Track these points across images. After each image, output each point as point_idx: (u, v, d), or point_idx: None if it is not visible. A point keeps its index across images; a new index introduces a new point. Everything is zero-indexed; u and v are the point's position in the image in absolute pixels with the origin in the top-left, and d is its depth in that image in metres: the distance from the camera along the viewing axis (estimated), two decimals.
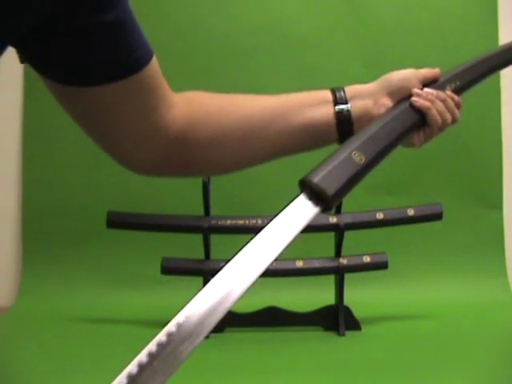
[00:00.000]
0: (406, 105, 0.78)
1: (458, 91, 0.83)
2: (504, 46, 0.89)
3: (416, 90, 0.79)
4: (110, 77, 0.67)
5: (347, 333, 1.33)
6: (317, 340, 1.30)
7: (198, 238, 1.32)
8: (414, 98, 0.79)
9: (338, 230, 1.34)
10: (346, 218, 1.34)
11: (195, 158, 0.75)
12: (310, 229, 1.44)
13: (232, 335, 1.33)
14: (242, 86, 1.66)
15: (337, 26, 1.66)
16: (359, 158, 0.69)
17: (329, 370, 1.12)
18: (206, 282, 1.32)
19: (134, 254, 1.57)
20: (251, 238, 0.63)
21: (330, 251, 1.36)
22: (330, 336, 1.33)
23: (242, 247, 0.63)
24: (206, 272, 1.32)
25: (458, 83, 0.84)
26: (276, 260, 0.63)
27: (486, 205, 1.67)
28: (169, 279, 1.37)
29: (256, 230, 1.51)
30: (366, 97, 0.80)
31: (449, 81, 0.84)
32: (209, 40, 1.65)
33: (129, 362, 0.50)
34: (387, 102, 0.79)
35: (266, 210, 1.46)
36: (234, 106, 0.76)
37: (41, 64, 0.66)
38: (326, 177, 0.66)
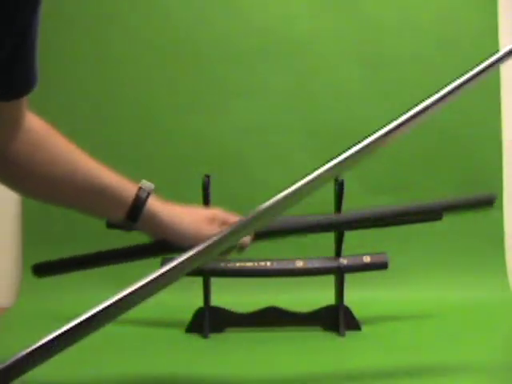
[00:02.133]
0: None
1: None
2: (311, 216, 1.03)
3: None
4: None
5: (347, 333, 1.33)
6: (317, 340, 1.30)
7: None
8: None
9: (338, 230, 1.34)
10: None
11: (19, 184, 0.88)
12: (309, 229, 1.44)
13: (232, 335, 1.33)
14: (241, 86, 1.67)
15: (336, 26, 1.66)
16: None
17: (329, 370, 1.12)
18: (206, 282, 1.33)
19: None
20: None
21: (330, 251, 1.36)
22: (330, 336, 1.33)
23: None
24: (206, 272, 1.33)
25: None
26: None
27: None
28: None
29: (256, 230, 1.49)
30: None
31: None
32: (208, 40, 1.66)
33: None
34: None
35: None
36: (65, 173, 0.87)
37: None
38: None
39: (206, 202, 1.31)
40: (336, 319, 1.34)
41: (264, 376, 1.11)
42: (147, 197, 0.89)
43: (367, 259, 1.35)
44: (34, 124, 0.85)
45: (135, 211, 0.88)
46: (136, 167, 1.65)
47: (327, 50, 1.67)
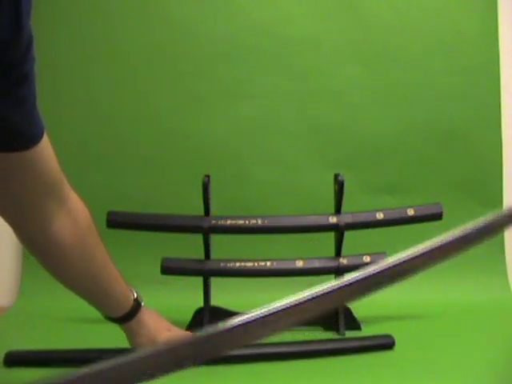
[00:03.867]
0: None
1: None
2: None
3: None
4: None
5: (347, 333, 1.33)
6: None
7: (198, 238, 1.32)
8: None
9: (338, 230, 1.34)
10: (345, 218, 1.34)
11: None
12: (310, 229, 1.44)
13: None
14: (240, 86, 1.66)
15: (336, 26, 1.66)
16: None
17: (329, 370, 1.12)
18: (206, 282, 1.32)
19: (134, 254, 1.57)
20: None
21: (330, 251, 1.36)
22: (331, 336, 1.33)
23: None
24: (206, 272, 1.32)
25: None
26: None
27: (485, 205, 1.67)
28: (169, 279, 1.37)
29: (256, 230, 1.51)
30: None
31: None
32: (207, 40, 1.66)
33: None
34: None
35: (266, 210, 1.46)
36: (91, 272, 0.98)
37: None
38: None
39: (206, 201, 1.31)
40: (336, 319, 1.34)
41: (264, 376, 1.11)
42: (136, 312, 1.06)
43: (367, 259, 1.35)
44: (81, 216, 0.94)
45: (126, 319, 1.05)
46: (136, 167, 1.66)
47: (327, 51, 1.66)
